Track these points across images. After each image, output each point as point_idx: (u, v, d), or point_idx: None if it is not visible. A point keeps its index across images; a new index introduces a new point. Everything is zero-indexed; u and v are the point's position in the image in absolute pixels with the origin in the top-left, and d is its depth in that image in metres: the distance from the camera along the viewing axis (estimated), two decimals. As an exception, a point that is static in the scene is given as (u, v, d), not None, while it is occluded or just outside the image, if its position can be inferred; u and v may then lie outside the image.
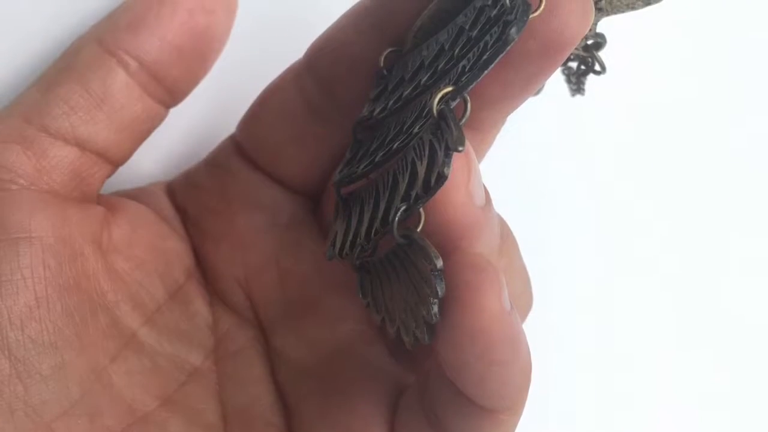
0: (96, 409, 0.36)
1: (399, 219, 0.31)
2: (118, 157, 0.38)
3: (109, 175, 0.39)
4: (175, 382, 0.38)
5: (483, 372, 0.30)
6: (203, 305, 0.40)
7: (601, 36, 0.38)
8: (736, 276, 0.61)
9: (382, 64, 0.35)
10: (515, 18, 0.30)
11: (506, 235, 0.37)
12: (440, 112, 0.30)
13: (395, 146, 0.32)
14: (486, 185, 0.32)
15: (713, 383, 0.60)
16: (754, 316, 0.61)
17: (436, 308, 0.30)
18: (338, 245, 0.34)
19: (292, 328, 0.39)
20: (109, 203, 0.39)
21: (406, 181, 0.31)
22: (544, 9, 0.30)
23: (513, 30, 0.30)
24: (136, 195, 0.41)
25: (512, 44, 0.30)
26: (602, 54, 0.39)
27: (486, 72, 0.30)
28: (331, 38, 0.37)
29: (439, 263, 0.30)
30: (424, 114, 0.31)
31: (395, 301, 0.32)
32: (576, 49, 0.38)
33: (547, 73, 0.32)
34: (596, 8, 0.35)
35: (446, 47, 0.32)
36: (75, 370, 0.35)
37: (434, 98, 0.30)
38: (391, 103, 0.34)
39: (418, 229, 0.31)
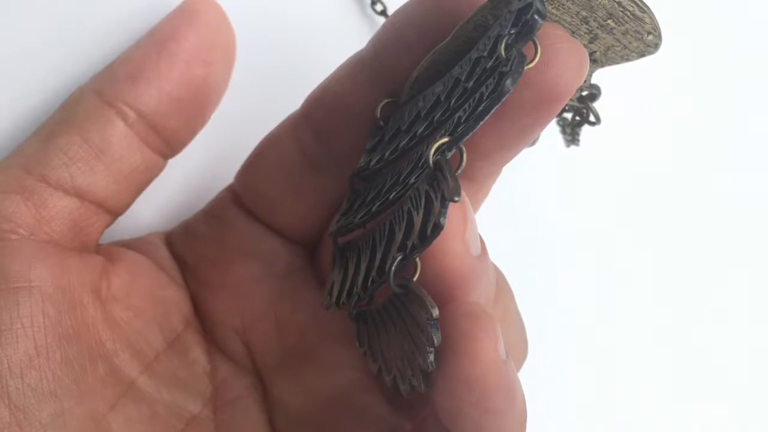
0: (95, 457, 0.36)
1: (395, 269, 0.31)
2: (117, 207, 0.38)
3: (108, 225, 0.39)
4: (174, 430, 0.38)
5: (478, 420, 0.30)
6: (201, 353, 0.40)
7: (596, 87, 0.38)
8: (734, 327, 0.61)
9: (378, 115, 0.36)
10: (511, 69, 0.30)
11: (502, 285, 0.38)
12: (436, 162, 0.30)
13: (392, 196, 0.32)
14: (481, 235, 0.32)
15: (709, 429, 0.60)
16: (752, 369, 0.61)
17: (432, 357, 0.30)
18: (335, 294, 0.34)
19: (290, 377, 0.39)
20: (108, 253, 0.39)
21: (403, 230, 0.31)
22: (539, 60, 0.30)
23: (508, 81, 0.30)
24: (135, 245, 0.41)
25: (508, 95, 0.30)
26: (597, 105, 0.39)
27: (482, 123, 0.30)
28: (328, 89, 0.38)
29: (435, 312, 0.30)
30: (420, 164, 0.31)
31: (392, 349, 0.32)
32: (571, 100, 0.38)
33: (542, 123, 0.32)
34: (591, 60, 0.36)
35: (442, 98, 0.33)
36: (74, 418, 0.35)
37: (430, 149, 0.30)
38: (387, 153, 0.34)
39: (415, 279, 0.31)
